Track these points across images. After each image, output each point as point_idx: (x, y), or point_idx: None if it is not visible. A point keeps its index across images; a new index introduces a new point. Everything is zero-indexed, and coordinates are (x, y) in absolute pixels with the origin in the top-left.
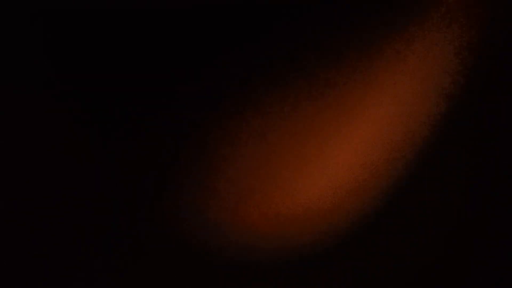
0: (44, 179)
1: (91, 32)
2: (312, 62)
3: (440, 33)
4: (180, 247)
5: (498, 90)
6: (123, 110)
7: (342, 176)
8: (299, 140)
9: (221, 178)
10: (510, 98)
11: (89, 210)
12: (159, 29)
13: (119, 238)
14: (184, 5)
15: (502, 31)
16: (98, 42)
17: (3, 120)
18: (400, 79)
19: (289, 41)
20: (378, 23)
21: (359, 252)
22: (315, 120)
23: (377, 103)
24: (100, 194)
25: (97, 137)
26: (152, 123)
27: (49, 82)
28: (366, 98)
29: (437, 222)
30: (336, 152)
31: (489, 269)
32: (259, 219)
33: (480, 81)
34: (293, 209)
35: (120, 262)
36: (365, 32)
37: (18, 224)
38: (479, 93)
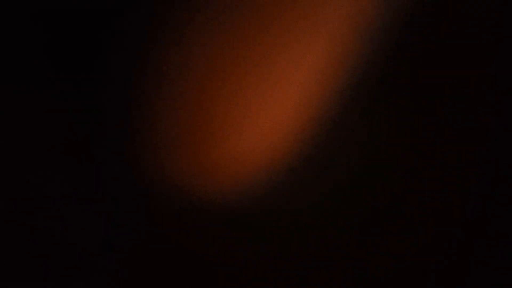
0: (44, 179)
1: (91, 32)
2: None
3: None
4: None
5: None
6: (123, 110)
7: (279, 124)
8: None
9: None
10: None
11: (89, 210)
12: (160, 29)
13: (119, 237)
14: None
15: None
16: (98, 42)
17: (3, 120)
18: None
19: None
20: None
21: (359, 252)
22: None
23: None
24: (100, 194)
25: (97, 137)
26: (153, 123)
27: (49, 82)
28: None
29: (437, 222)
30: (274, 97)
31: (489, 269)
32: (188, 173)
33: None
34: (226, 158)
35: (120, 262)
36: None
37: (18, 224)
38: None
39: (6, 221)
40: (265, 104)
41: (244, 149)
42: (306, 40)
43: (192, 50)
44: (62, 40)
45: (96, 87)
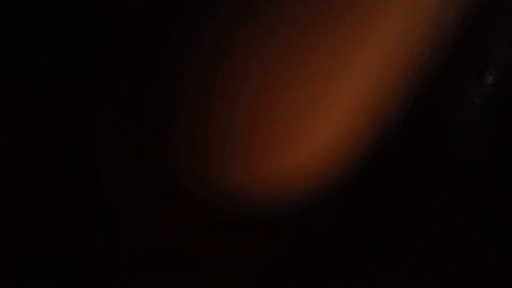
0: (44, 179)
1: (91, 32)
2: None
3: None
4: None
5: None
6: (122, 109)
7: (340, 126)
8: (294, 88)
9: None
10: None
11: (89, 210)
12: (159, 30)
13: (119, 238)
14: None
15: None
16: (97, 42)
17: (3, 120)
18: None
19: None
20: None
21: (358, 252)
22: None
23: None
24: (100, 194)
25: (97, 137)
26: (151, 122)
27: (49, 82)
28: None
29: (437, 221)
30: (334, 100)
31: (488, 269)
32: (249, 180)
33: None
34: (286, 167)
35: (120, 262)
36: None
37: (18, 224)
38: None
39: (6, 221)
40: (322, 111)
41: (304, 158)
42: (362, 43)
43: (244, 56)
44: (62, 40)
45: (96, 87)
